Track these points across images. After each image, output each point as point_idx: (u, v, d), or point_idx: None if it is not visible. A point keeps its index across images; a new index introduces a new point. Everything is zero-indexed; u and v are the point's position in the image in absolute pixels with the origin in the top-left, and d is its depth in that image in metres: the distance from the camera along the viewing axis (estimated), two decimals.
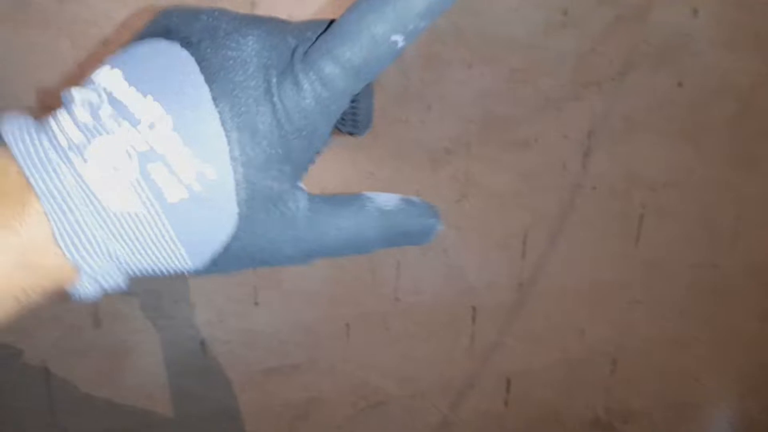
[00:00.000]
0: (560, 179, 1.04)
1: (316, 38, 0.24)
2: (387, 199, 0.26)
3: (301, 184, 0.25)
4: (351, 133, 0.28)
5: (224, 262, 0.25)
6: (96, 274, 0.24)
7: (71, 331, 0.87)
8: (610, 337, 1.17)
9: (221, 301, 0.92)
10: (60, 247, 0.22)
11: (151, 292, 0.90)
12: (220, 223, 0.23)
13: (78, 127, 0.23)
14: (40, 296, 0.24)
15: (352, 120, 0.27)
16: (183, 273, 0.25)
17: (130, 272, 0.24)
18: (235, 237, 0.24)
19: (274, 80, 0.23)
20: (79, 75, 0.76)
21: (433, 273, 1.03)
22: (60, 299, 0.24)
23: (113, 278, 0.24)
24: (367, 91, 0.27)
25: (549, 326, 1.13)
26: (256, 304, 0.93)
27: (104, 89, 0.23)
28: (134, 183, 0.22)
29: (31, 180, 0.22)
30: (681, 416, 1.25)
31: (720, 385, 1.24)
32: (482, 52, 0.92)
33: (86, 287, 0.24)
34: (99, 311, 0.88)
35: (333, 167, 0.91)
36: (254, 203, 0.24)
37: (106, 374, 0.91)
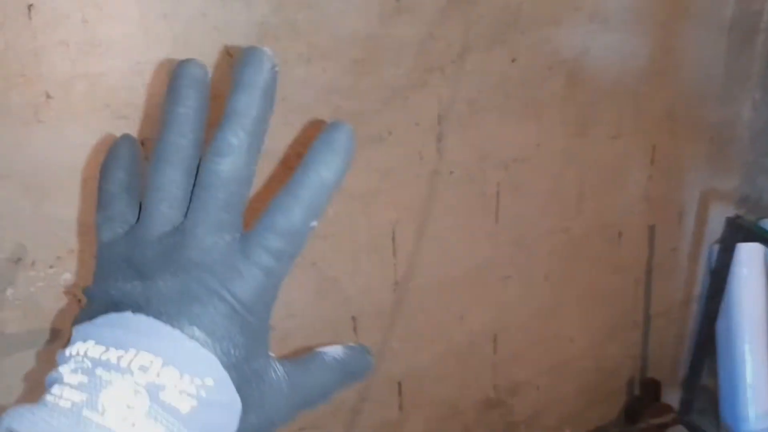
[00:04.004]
0: (418, 169, 1.01)
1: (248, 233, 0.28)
2: (336, 350, 0.31)
3: (271, 354, 0.29)
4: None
5: None
6: None
7: None
8: (489, 316, 1.18)
9: None
10: None
11: None
12: (230, 414, 0.27)
13: (78, 389, 0.25)
14: None
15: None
16: None
17: None
18: (243, 419, 0.27)
19: (223, 288, 0.27)
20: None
21: (306, 291, 0.94)
22: None
23: None
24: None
25: (430, 320, 1.11)
26: None
27: (86, 357, 0.26)
28: (150, 411, 0.25)
29: None
30: (560, 377, 1.31)
31: (590, 340, 1.32)
32: (320, 46, 0.85)
33: None
34: None
35: None
36: (249, 386, 0.27)
37: None
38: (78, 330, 0.27)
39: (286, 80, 0.84)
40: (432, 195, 1.03)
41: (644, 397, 1.44)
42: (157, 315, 0.26)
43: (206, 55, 0.76)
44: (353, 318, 1.01)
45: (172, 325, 0.26)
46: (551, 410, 1.34)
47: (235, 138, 0.28)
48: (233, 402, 0.26)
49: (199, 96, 0.30)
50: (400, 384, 1.10)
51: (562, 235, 1.21)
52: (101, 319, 0.27)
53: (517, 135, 1.08)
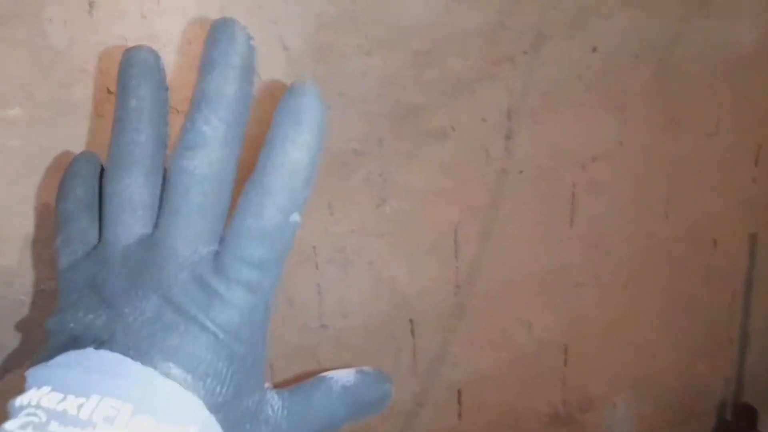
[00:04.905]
0: (484, 167, 0.95)
1: (219, 246, 0.23)
2: (346, 376, 0.27)
3: (267, 385, 0.24)
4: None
5: None
6: None
7: None
8: (559, 325, 1.11)
9: None
10: None
11: None
12: None
13: None
14: None
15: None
16: None
17: None
18: None
19: (202, 313, 0.22)
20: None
21: (361, 290, 0.92)
22: None
23: None
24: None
25: (494, 325, 1.05)
26: None
27: (40, 408, 0.21)
28: None
29: None
30: (639, 394, 1.21)
31: (675, 356, 1.20)
32: (380, 37, 0.81)
33: None
34: None
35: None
36: (241, 428, 0.23)
37: None
38: (32, 374, 0.22)
39: (344, 73, 0.82)
40: (499, 195, 0.97)
41: (737, 423, 1.29)
42: (124, 350, 0.21)
43: (262, 48, 0.75)
44: (411, 320, 0.97)
45: (143, 362, 0.21)
46: (627, 430, 1.23)
47: (207, 126, 0.23)
48: None
49: (153, 85, 0.26)
50: (459, 391, 1.06)
51: (646, 240, 1.10)
52: (59, 359, 0.22)
53: (596, 131, 0.99)
